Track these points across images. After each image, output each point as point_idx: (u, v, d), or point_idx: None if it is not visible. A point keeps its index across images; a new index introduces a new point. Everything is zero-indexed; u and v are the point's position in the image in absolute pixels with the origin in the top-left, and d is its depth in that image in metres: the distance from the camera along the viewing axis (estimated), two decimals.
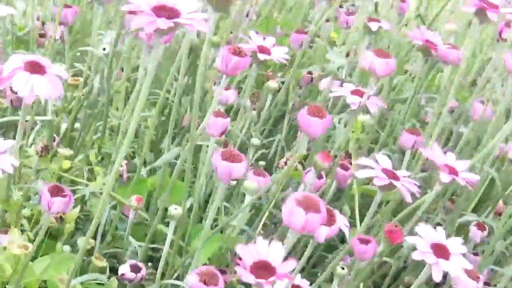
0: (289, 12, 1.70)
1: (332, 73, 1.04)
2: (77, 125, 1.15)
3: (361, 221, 1.13)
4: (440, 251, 0.77)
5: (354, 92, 1.02)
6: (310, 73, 1.33)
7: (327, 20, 1.26)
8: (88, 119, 1.11)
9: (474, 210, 1.28)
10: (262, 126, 1.25)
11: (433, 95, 1.24)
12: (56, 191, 0.83)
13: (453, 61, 1.15)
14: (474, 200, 1.27)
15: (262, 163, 1.28)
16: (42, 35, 1.46)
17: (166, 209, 0.96)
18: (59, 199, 0.82)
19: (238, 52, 0.88)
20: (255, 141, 1.17)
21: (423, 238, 0.78)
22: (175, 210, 0.90)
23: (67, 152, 0.97)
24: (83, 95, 1.12)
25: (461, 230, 1.19)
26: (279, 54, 1.00)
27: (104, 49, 1.08)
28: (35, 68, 0.81)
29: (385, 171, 0.89)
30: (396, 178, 0.89)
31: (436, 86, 1.48)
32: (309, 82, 1.35)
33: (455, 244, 0.79)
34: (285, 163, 1.26)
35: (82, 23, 1.29)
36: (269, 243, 0.66)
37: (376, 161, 0.90)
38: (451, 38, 1.27)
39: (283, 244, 0.67)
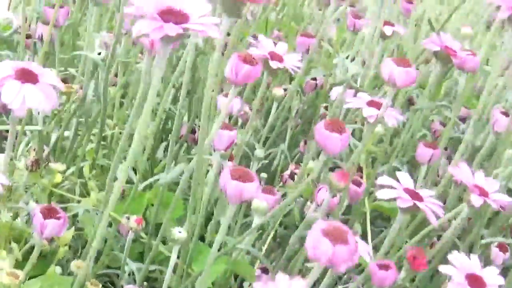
0: (282, 10, 1.61)
1: (345, 82, 0.96)
2: (67, 133, 1.07)
3: (372, 239, 1.06)
4: (476, 283, 0.70)
5: (371, 104, 0.94)
6: (314, 79, 1.26)
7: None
8: (80, 128, 1.03)
9: (486, 226, 1.21)
10: (266, 135, 1.18)
11: (447, 104, 1.17)
12: (49, 213, 0.76)
13: (471, 69, 1.08)
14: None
15: (264, 175, 1.20)
16: (28, 36, 1.38)
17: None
18: (52, 221, 0.75)
19: (249, 61, 0.80)
20: (259, 153, 1.09)
21: (457, 268, 0.71)
22: (179, 233, 0.82)
23: (60, 167, 0.89)
24: (74, 101, 1.04)
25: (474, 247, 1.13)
26: (292, 61, 0.92)
27: (99, 53, 1.00)
28: (27, 76, 0.74)
29: (407, 190, 0.82)
30: (420, 198, 0.81)
31: (443, 94, 1.41)
32: (313, 88, 1.28)
33: (491, 275, 0.72)
34: (289, 176, 1.19)
35: (72, 23, 1.21)
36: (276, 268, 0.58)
37: (397, 179, 0.83)
38: (466, 43, 1.20)
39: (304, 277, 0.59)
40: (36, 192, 0.98)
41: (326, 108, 1.29)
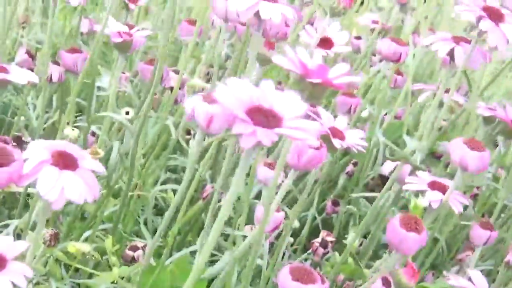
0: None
1: (403, 158, 0.86)
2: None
3: None
4: None
5: (433, 185, 0.85)
6: None
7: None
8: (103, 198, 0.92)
9: None
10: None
11: None
12: None
13: None
14: None
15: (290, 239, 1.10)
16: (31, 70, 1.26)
17: None
18: None
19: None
20: (295, 223, 0.99)
21: None
22: None
23: (85, 247, 0.78)
24: None
25: None
26: (354, 139, 0.82)
27: (127, 112, 0.89)
28: (65, 161, 0.62)
29: None
30: None
31: None
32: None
33: None
34: (320, 244, 1.08)
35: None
36: None
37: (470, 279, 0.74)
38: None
39: None
40: (50, 264, 0.87)
41: (354, 164, 1.19)
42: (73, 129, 0.88)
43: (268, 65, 0.81)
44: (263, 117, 0.52)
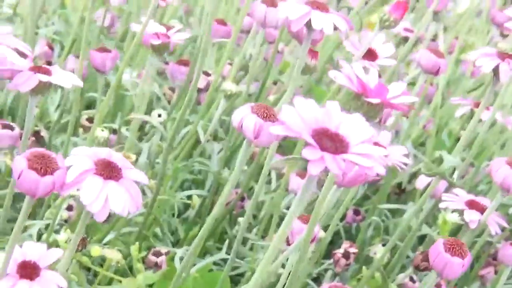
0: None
1: (440, 174, 0.84)
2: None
3: None
4: None
5: (471, 204, 0.83)
6: None
7: None
8: None
9: None
10: None
11: None
12: None
13: None
14: None
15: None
16: (49, 63, 1.24)
17: None
18: None
19: None
20: (321, 234, 0.97)
21: None
22: None
23: (114, 255, 0.76)
24: None
25: None
26: (398, 156, 0.80)
27: (159, 115, 0.87)
28: (109, 171, 0.60)
29: None
30: None
31: None
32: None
33: None
34: (343, 255, 1.06)
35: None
36: None
37: None
38: None
39: None
40: (74, 270, 0.85)
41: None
42: (102, 130, 0.85)
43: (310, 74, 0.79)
44: (329, 141, 0.50)
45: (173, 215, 1.03)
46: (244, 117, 0.63)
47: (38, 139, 1.11)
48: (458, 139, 1.02)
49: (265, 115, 0.63)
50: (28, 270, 0.65)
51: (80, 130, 1.10)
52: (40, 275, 0.65)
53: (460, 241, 0.69)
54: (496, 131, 1.11)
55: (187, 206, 1.09)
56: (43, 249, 0.67)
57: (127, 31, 1.23)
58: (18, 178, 0.58)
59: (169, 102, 1.05)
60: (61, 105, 1.12)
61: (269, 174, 1.12)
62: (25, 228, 0.89)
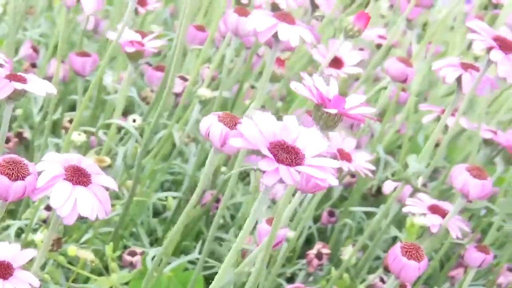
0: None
1: (405, 179, 0.87)
2: None
3: None
4: None
5: (433, 209, 0.86)
6: None
7: None
8: None
9: None
10: None
11: None
12: None
13: None
14: None
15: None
16: (33, 65, 1.26)
17: None
18: None
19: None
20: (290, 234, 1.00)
21: None
22: None
23: (87, 255, 0.79)
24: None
25: None
26: (361, 162, 0.83)
27: (134, 120, 0.90)
28: (78, 176, 0.63)
29: None
30: None
31: None
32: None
33: None
34: (316, 255, 1.09)
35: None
36: None
37: None
38: None
39: None
40: (51, 269, 0.88)
41: (352, 176, 1.20)
42: (79, 134, 0.88)
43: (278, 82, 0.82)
44: (285, 153, 0.53)
45: (153, 215, 1.06)
46: (211, 125, 0.66)
47: (21, 140, 1.14)
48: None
49: (231, 124, 0.66)
50: (2, 269, 0.67)
51: (62, 132, 1.12)
52: (13, 275, 0.67)
53: (417, 245, 0.72)
54: (466, 137, 1.14)
55: (165, 207, 1.12)
56: (17, 249, 0.69)
57: None
58: None
59: (148, 104, 1.08)
60: (44, 107, 1.14)
61: (248, 175, 1.15)
62: (7, 227, 0.92)
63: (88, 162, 0.65)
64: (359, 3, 1.19)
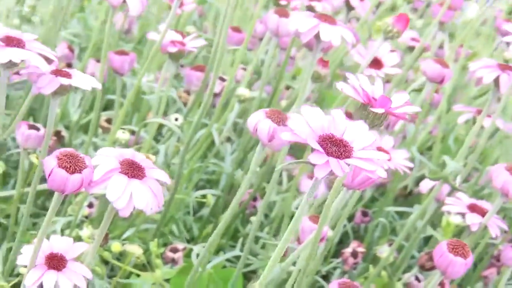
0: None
1: (443, 178, 0.89)
2: None
3: None
4: None
5: (472, 208, 0.87)
6: None
7: None
8: None
9: None
10: None
11: None
12: None
13: None
14: None
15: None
16: (69, 65, 1.28)
17: None
18: None
19: None
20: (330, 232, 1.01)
21: None
22: None
23: (136, 250, 0.81)
24: None
25: None
26: (400, 160, 0.84)
27: (176, 119, 0.92)
28: (133, 170, 0.65)
29: None
30: None
31: None
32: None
33: None
34: (351, 254, 1.11)
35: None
36: None
37: None
38: None
39: None
40: (95, 263, 0.90)
41: None
42: (123, 132, 0.90)
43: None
44: (334, 147, 0.54)
45: (188, 213, 1.08)
46: (259, 121, 0.68)
47: (59, 139, 1.16)
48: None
49: (278, 120, 0.67)
50: (56, 261, 0.69)
51: (100, 130, 1.14)
52: (67, 267, 0.70)
53: (463, 242, 0.73)
54: (500, 137, 1.15)
55: (201, 205, 1.14)
56: (70, 242, 0.71)
57: (144, 35, 1.27)
58: (49, 176, 0.63)
59: (184, 104, 1.10)
60: (81, 105, 1.16)
61: (281, 175, 1.16)
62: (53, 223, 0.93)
63: (141, 157, 0.67)
64: (386, 6, 1.21)
